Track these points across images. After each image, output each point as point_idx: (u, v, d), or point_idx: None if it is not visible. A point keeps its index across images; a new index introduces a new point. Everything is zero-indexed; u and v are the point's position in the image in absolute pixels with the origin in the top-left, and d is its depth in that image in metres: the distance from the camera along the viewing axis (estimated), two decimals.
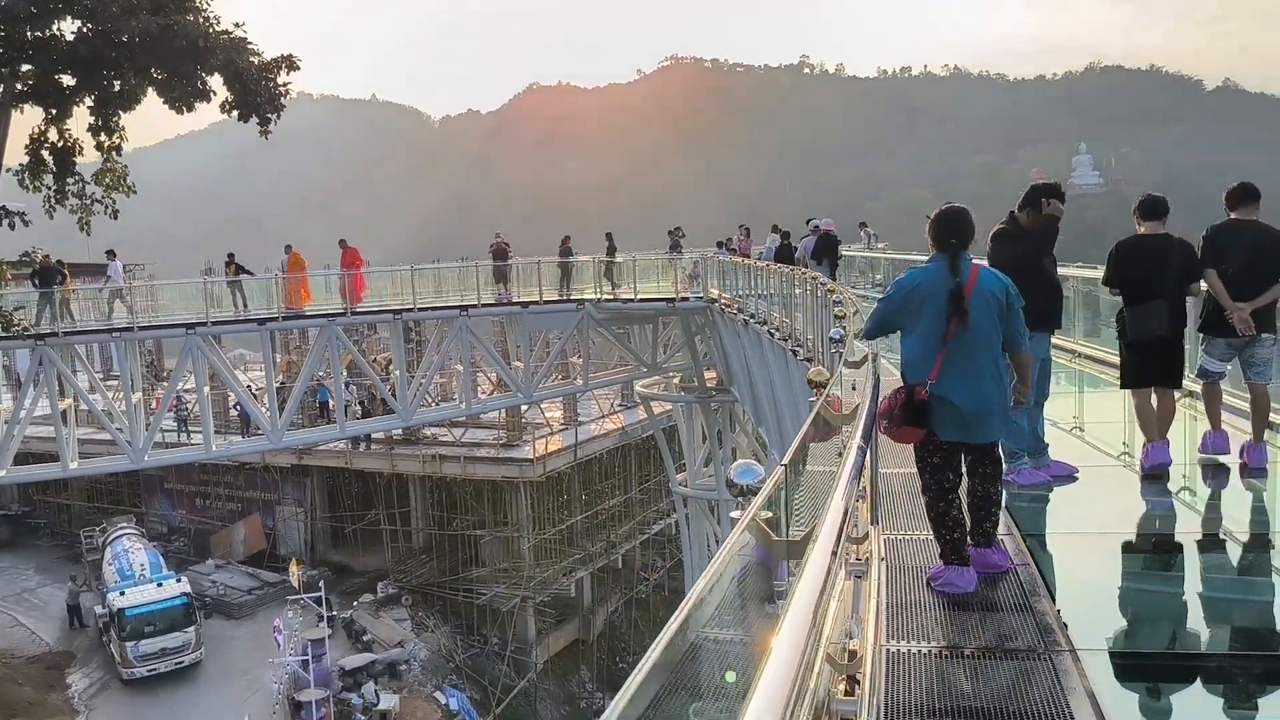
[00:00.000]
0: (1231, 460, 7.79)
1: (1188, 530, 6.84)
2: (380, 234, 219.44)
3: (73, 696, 33.03)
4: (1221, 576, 6.04)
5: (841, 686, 2.99)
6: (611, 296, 32.04)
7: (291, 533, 44.04)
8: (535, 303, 31.96)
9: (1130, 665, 4.69)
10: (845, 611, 3.54)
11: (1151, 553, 6.45)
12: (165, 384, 36.12)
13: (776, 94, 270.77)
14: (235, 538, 44.22)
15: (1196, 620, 5.47)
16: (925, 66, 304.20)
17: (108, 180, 25.14)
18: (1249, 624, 5.30)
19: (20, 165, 24.28)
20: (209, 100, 23.79)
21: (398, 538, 42.26)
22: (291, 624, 31.13)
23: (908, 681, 4.35)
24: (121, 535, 38.79)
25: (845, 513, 2.52)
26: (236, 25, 24.34)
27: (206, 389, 30.73)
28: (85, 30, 23.25)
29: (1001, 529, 6.41)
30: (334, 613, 35.00)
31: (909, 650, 4.68)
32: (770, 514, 2.43)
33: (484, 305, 31.59)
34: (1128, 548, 6.44)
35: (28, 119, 24.69)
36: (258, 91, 23.99)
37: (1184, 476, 7.90)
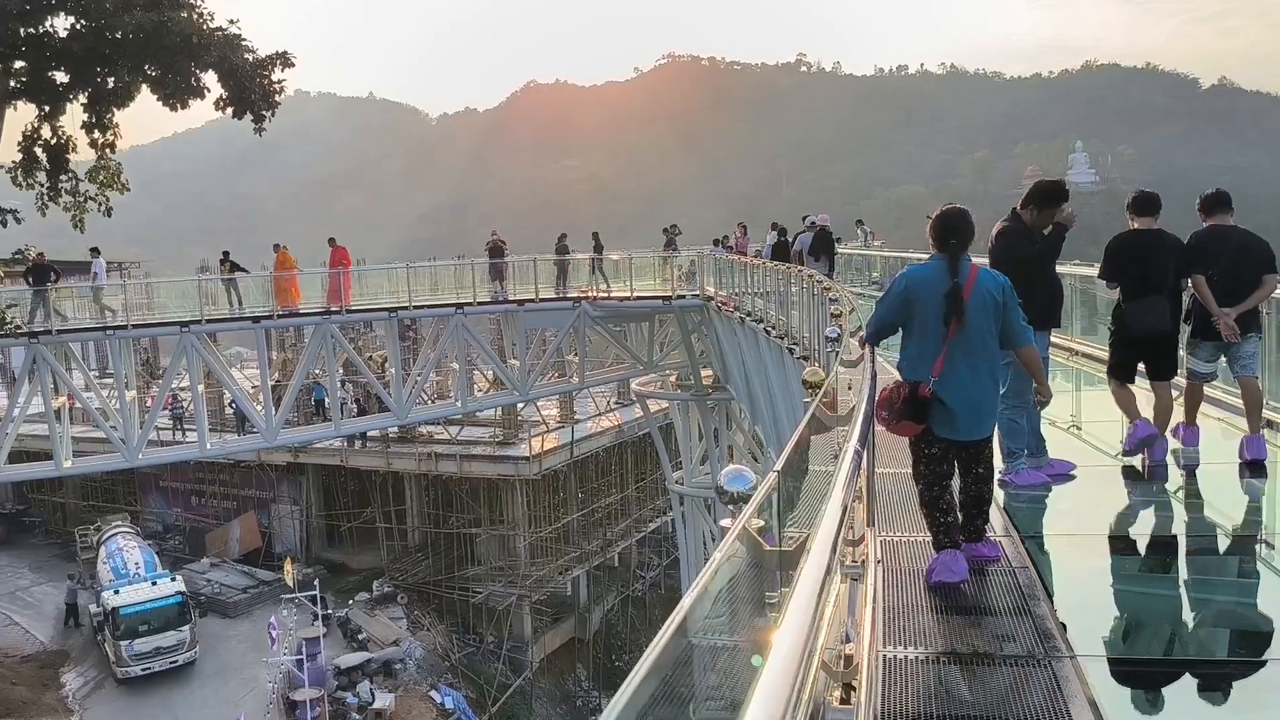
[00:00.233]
0: (1228, 456, 7.79)
1: (1188, 531, 6.78)
2: (378, 231, 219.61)
3: (67, 696, 32.88)
4: (1224, 579, 5.95)
5: (837, 694, 2.92)
6: (597, 294, 31.91)
7: (287, 531, 43.92)
8: (531, 301, 31.86)
9: (1132, 672, 4.61)
10: (841, 616, 3.47)
11: (1152, 554, 6.36)
12: (160, 382, 36.01)
13: (774, 92, 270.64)
14: (230, 536, 44.08)
15: (1199, 624, 5.38)
16: (922, 65, 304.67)
17: (101, 178, 25.15)
18: (1254, 628, 5.22)
19: (13, 162, 24.20)
20: (203, 97, 23.77)
21: (393, 536, 42.14)
22: (286, 623, 31.01)
23: (904, 689, 4.27)
24: (116, 534, 38.65)
25: (841, 519, 2.44)
26: (231, 22, 24.35)
27: (201, 387, 30.60)
28: (78, 26, 23.18)
29: (1000, 530, 6.36)
30: (329, 611, 34.86)
31: (906, 656, 4.60)
32: (762, 522, 2.34)
33: (480, 303, 31.50)
34: (1127, 549, 6.37)
35: (21, 116, 24.63)
36: (252, 88, 23.96)
37: (1180, 474, 7.87)
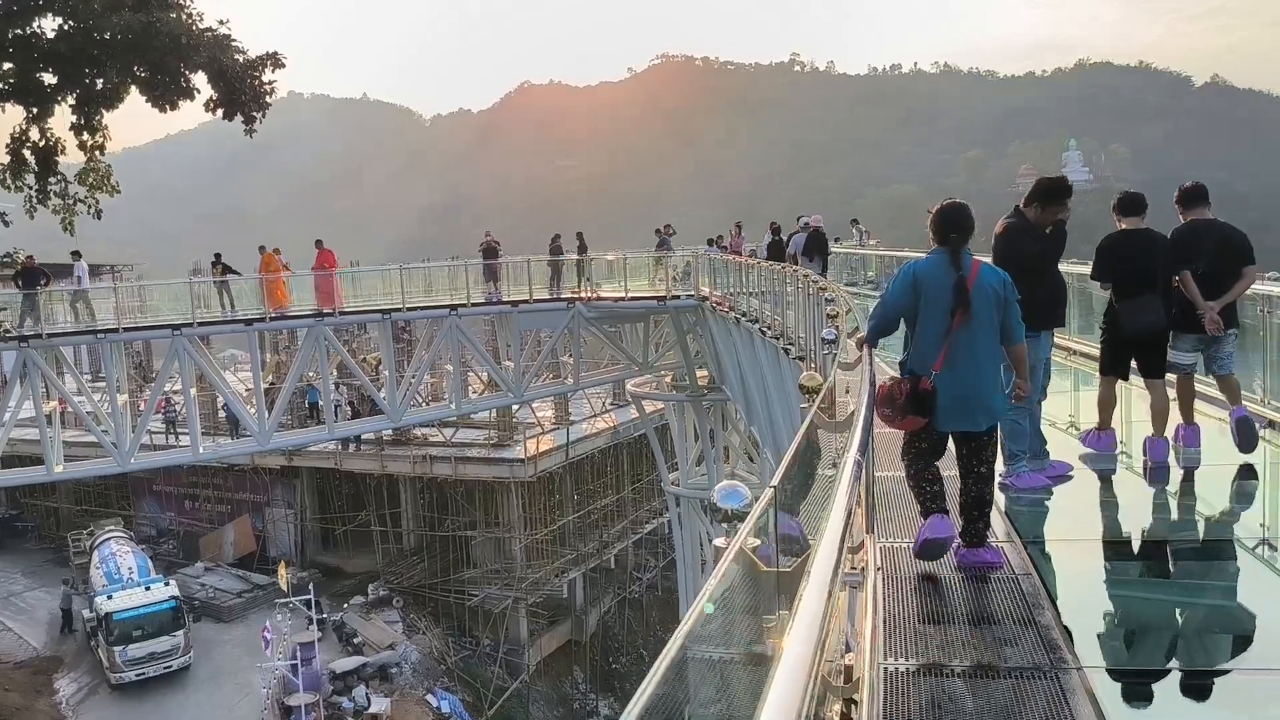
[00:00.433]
0: (1229, 457, 7.71)
1: (1194, 535, 6.61)
2: (372, 232, 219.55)
3: (60, 702, 32.69)
4: (1233, 584, 5.79)
5: (838, 709, 2.79)
6: (586, 295, 31.74)
7: (281, 535, 43.74)
8: (525, 301, 31.68)
9: (1140, 683, 4.46)
10: (841, 625, 3.34)
11: (1157, 559, 6.21)
12: (153, 385, 35.75)
13: (768, 92, 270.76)
14: (225, 540, 43.88)
15: (1209, 632, 5.22)
16: (915, 64, 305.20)
17: (91, 180, 24.92)
18: (1267, 635, 5.07)
19: (1, 165, 23.97)
20: (193, 98, 23.55)
21: (388, 539, 41.98)
22: (280, 627, 30.83)
23: (906, 703, 4.12)
24: (109, 538, 38.41)
25: (844, 536, 2.29)
26: (221, 22, 24.12)
27: (193, 391, 30.40)
28: (66, 27, 22.96)
29: (1002, 535, 6.21)
30: (324, 615, 34.65)
31: (908, 669, 4.45)
32: (759, 541, 2.19)
33: (474, 305, 31.29)
34: (1132, 554, 6.22)
35: (9, 118, 24.41)
36: (242, 90, 23.76)
37: (1180, 475, 7.75)
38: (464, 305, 30.81)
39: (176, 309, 28.77)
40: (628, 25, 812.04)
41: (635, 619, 43.86)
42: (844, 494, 2.74)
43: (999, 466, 6.84)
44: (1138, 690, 4.43)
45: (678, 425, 36.11)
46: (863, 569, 4.36)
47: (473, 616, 38.45)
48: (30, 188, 24.14)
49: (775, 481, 2.37)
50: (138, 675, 32.43)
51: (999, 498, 6.81)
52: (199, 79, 23.38)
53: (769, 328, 19.51)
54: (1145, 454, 7.80)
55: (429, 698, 33.19)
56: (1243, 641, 5.01)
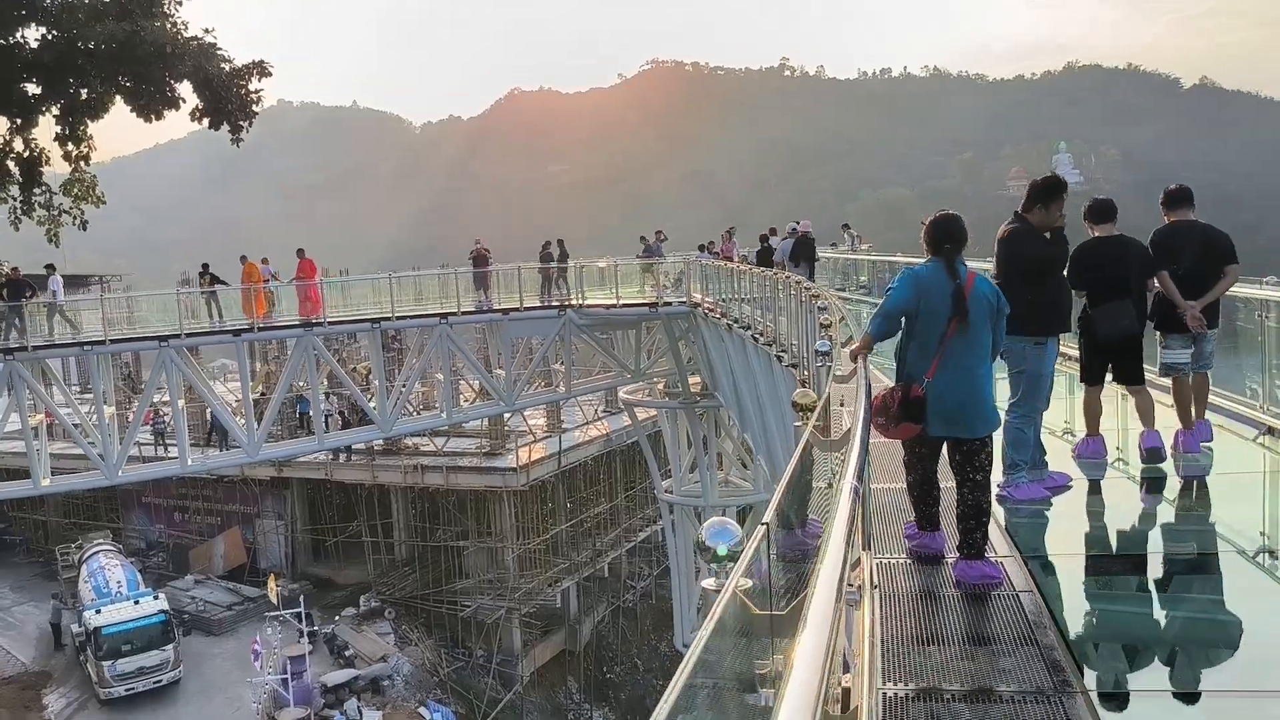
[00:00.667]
0: (1231, 465, 7.80)
1: (1199, 547, 6.41)
2: (362, 240, 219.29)
3: (49, 718, 32.38)
4: (1244, 600, 5.61)
5: None
6: (570, 303, 31.59)
7: (272, 546, 43.43)
8: (516, 309, 31.50)
9: (1150, 707, 4.30)
10: (838, 646, 3.19)
11: (1163, 574, 6.04)
12: (140, 397, 35.49)
13: (758, 96, 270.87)
14: (215, 552, 43.57)
15: (1221, 652, 5.03)
16: (905, 68, 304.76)
17: (76, 191, 24.73)
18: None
19: None
20: (178, 108, 23.40)
21: (380, 550, 41.69)
22: (270, 641, 30.55)
23: None
24: (98, 552, 38.10)
25: (842, 573, 2.12)
26: (206, 31, 23.94)
27: (181, 402, 30.14)
28: (50, 37, 22.74)
29: (1003, 549, 6.06)
30: (315, 628, 34.41)
31: (907, 694, 4.29)
32: (750, 582, 2.02)
33: (464, 313, 31.09)
34: (1136, 568, 6.04)
35: None
36: (228, 98, 23.60)
37: (1180, 484, 7.61)
38: (454, 314, 30.63)
39: (165, 320, 28.55)
40: (617, 31, 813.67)
41: (629, 628, 43.63)
42: (842, 523, 2.57)
43: (998, 476, 6.76)
44: (1146, 715, 4.27)
45: (670, 432, 35.94)
46: (859, 586, 4.21)
47: (465, 627, 38.18)
48: (15, 199, 23.92)
49: (768, 518, 2.20)
50: (127, 690, 32.12)
51: (997, 510, 6.67)
52: (184, 88, 23.24)
53: (761, 334, 19.38)
54: (1140, 446, 7.80)
55: (421, 710, 32.90)
56: (1255, 663, 4.84)
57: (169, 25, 22.84)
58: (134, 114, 23.21)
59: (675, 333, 31.70)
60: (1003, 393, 7.06)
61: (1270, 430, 8.57)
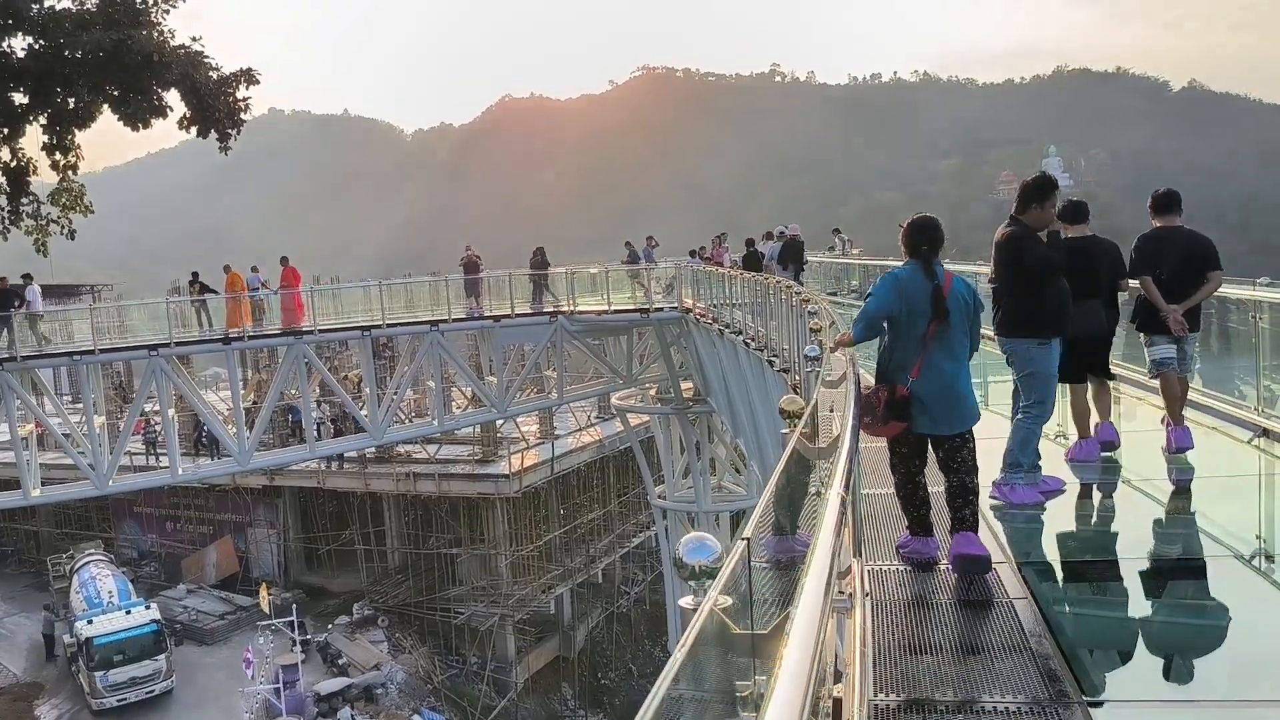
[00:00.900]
0: (1225, 468, 7.90)
1: (1196, 551, 6.32)
2: (354, 247, 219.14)
3: None
4: (1241, 604, 5.55)
5: None
6: (561, 309, 31.56)
7: (264, 555, 43.27)
8: (507, 316, 31.42)
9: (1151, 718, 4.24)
10: (829, 654, 3.13)
11: (1160, 579, 5.97)
12: (131, 406, 35.31)
13: (749, 102, 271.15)
14: (207, 561, 43.41)
15: (1222, 658, 4.94)
16: (895, 73, 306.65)
17: (64, 200, 24.57)
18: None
19: None
20: (165, 116, 23.22)
21: (373, 558, 41.56)
22: (263, 650, 30.39)
23: None
24: (89, 562, 37.93)
25: (828, 590, 2.06)
26: (194, 39, 23.79)
27: (171, 411, 30.00)
28: (36, 46, 22.61)
29: (996, 556, 5.99)
30: (308, 636, 34.25)
31: (899, 705, 4.22)
32: (730, 600, 1.96)
33: (455, 320, 30.99)
34: (1133, 573, 5.96)
35: None
36: (216, 106, 23.45)
37: (1174, 488, 7.58)
38: (445, 321, 30.53)
39: (155, 329, 28.41)
40: (608, 37, 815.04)
41: (624, 633, 43.51)
42: (829, 533, 2.51)
43: (995, 475, 6.85)
44: None
45: (663, 438, 35.88)
46: (850, 594, 4.14)
47: (459, 634, 38.04)
48: (3, 209, 23.76)
49: (748, 532, 2.14)
50: (119, 700, 31.99)
51: (991, 519, 6.62)
52: (172, 96, 23.10)
53: (753, 339, 19.33)
54: (1074, 448, 8.07)
55: (415, 718, 32.78)
56: (1256, 670, 4.77)
57: (156, 34, 22.68)
58: (121, 123, 23.05)
59: (667, 338, 31.66)
60: (1001, 394, 7.00)
61: (1265, 432, 8.53)
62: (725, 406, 25.84)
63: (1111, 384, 10.65)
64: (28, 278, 27.52)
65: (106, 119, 23.91)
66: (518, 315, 31.54)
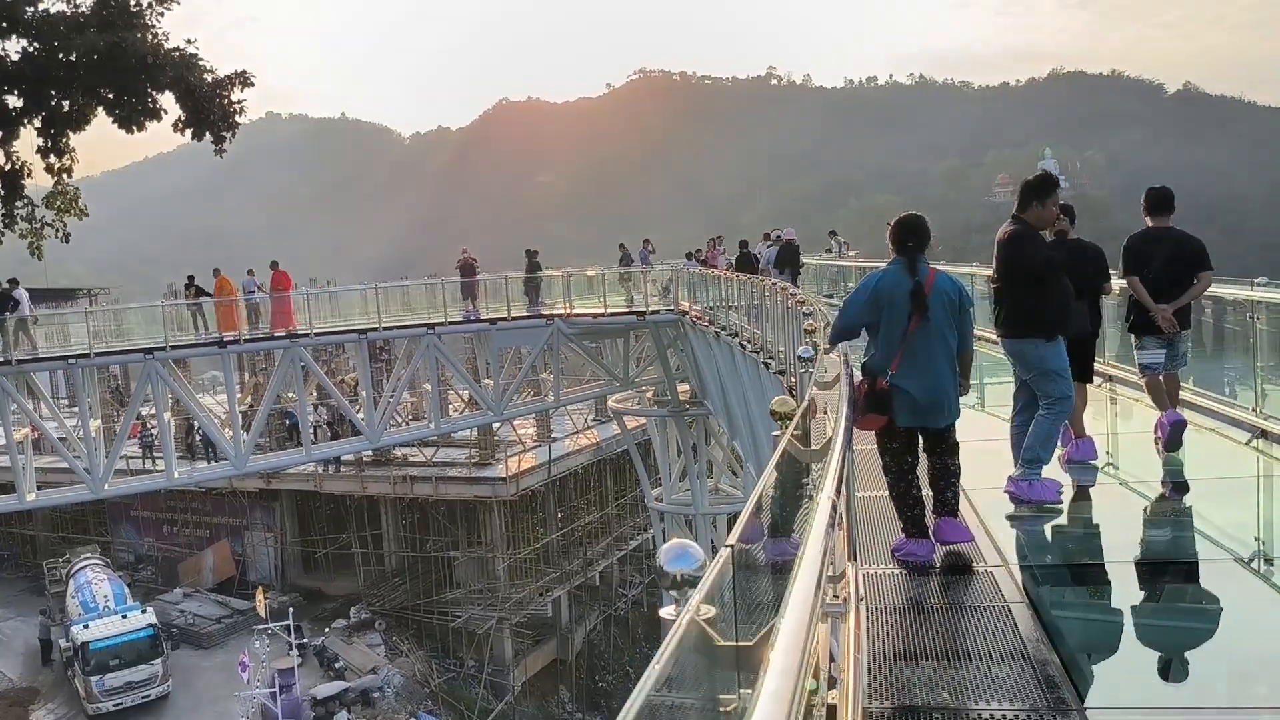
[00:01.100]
0: (1224, 470, 7.98)
1: (1195, 554, 6.25)
2: (352, 251, 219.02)
3: None
4: (1242, 608, 5.48)
5: None
6: (554, 312, 31.52)
7: (261, 558, 43.16)
8: (504, 319, 31.40)
9: None
10: (823, 660, 3.07)
11: (1159, 582, 5.91)
12: (126, 410, 35.21)
13: (746, 105, 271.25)
14: (204, 565, 43.28)
15: (1224, 664, 4.86)
16: (891, 76, 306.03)
17: (59, 204, 24.52)
18: None
19: None
20: (159, 119, 23.18)
21: (370, 561, 41.45)
22: (259, 654, 30.27)
23: None
24: (85, 566, 37.80)
25: (816, 600, 2.00)
26: (188, 42, 23.75)
27: (167, 415, 29.92)
28: (30, 49, 22.55)
29: (993, 559, 5.94)
30: (305, 640, 34.15)
31: (893, 711, 4.16)
32: (714, 610, 1.90)
33: (451, 323, 30.95)
34: (1131, 577, 5.90)
35: None
36: (210, 109, 23.40)
37: (1172, 489, 7.52)
38: (442, 324, 30.50)
39: (152, 333, 28.36)
40: (605, 41, 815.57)
41: (621, 636, 43.41)
42: (818, 539, 2.46)
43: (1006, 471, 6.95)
44: None
45: (660, 441, 35.82)
46: (845, 598, 4.08)
47: (456, 638, 37.94)
48: None
49: (733, 539, 2.08)
50: (115, 705, 31.84)
51: (989, 522, 6.57)
52: (166, 99, 23.04)
53: (749, 341, 19.30)
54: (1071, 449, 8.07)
55: None
56: (1258, 676, 4.70)
57: (150, 36, 22.62)
58: (115, 125, 23.00)
59: (664, 341, 31.62)
60: (996, 396, 6.94)
61: (1263, 434, 8.49)
62: (722, 409, 25.79)
63: (1108, 385, 10.71)
64: (13, 282, 27.46)
65: (102, 123, 23.89)
66: (514, 318, 31.54)
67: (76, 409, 34.54)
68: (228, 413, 32.63)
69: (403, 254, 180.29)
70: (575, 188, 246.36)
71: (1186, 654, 5.01)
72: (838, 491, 2.81)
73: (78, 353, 27.35)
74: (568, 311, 31.57)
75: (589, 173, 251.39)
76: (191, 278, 30.15)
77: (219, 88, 23.45)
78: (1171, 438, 8.08)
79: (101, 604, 34.29)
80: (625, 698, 1.46)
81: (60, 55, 22.14)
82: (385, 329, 30.67)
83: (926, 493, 6.07)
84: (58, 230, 24.25)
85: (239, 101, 23.97)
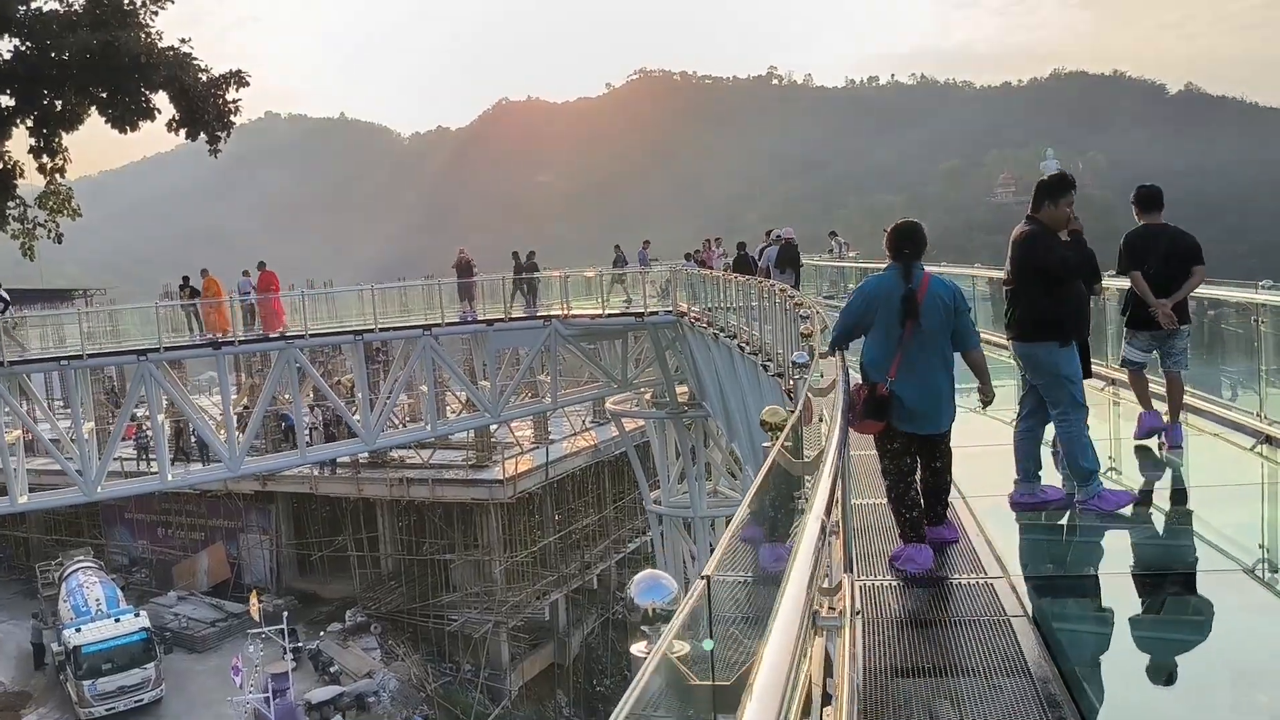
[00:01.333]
0: (1224, 477, 7.98)
1: (1199, 564, 6.02)
2: (352, 251, 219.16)
3: None
4: (1249, 620, 5.28)
5: None
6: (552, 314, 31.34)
7: (256, 561, 42.93)
8: (501, 320, 31.19)
9: None
10: (817, 675, 2.89)
11: (1162, 594, 5.71)
12: (120, 411, 34.99)
13: (746, 105, 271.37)
14: (198, 568, 43.06)
15: (1227, 678, 4.66)
16: (893, 75, 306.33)
17: (51, 204, 24.30)
18: None
19: None
20: (153, 119, 22.95)
21: (366, 564, 41.25)
22: (253, 659, 30.04)
23: None
24: (77, 569, 37.59)
25: (800, 633, 1.80)
26: (182, 41, 23.49)
27: (161, 416, 29.71)
28: (22, 48, 22.34)
29: (994, 571, 5.76)
30: (300, 644, 33.93)
31: None
32: (688, 647, 1.70)
33: (448, 324, 30.75)
34: (1136, 589, 5.70)
35: None
36: (205, 109, 23.16)
37: (1175, 496, 7.34)
38: (438, 325, 30.29)
39: (147, 334, 28.15)
40: (605, 41, 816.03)
41: (619, 640, 43.14)
42: (805, 562, 2.25)
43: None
44: None
45: (658, 443, 35.56)
46: (841, 612, 3.89)
47: (453, 641, 37.71)
48: None
49: (709, 570, 1.88)
50: (107, 710, 31.67)
51: (988, 530, 6.39)
52: (160, 99, 22.81)
53: (747, 343, 19.12)
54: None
55: None
56: (1265, 685, 4.50)
57: (144, 35, 22.40)
58: (109, 125, 22.77)
59: (662, 342, 31.42)
60: (998, 399, 6.72)
61: (1268, 439, 8.29)
62: (720, 411, 25.59)
63: (1110, 389, 10.54)
64: None
65: (99, 123, 23.66)
66: (511, 319, 31.34)
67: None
68: (223, 414, 32.45)
69: (402, 254, 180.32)
70: (575, 188, 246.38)
71: (1190, 670, 4.81)
72: (828, 511, 2.60)
73: (70, 354, 27.13)
74: (565, 313, 31.38)
75: (589, 173, 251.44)
76: (186, 278, 29.94)
77: (213, 87, 23.22)
78: (1142, 435, 8.46)
79: (93, 607, 34.10)
80: None
81: (53, 54, 21.92)
82: (381, 330, 30.47)
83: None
84: (50, 231, 24.01)
85: (234, 101, 23.75)
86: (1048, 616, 5.09)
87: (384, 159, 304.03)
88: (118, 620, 33.28)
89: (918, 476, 6.06)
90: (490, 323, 31.07)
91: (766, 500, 3.31)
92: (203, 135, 23.86)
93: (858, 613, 5.07)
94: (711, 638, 1.81)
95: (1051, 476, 7.22)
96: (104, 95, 22.85)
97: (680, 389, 33.41)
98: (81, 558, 39.67)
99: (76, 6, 22.51)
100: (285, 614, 32.48)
